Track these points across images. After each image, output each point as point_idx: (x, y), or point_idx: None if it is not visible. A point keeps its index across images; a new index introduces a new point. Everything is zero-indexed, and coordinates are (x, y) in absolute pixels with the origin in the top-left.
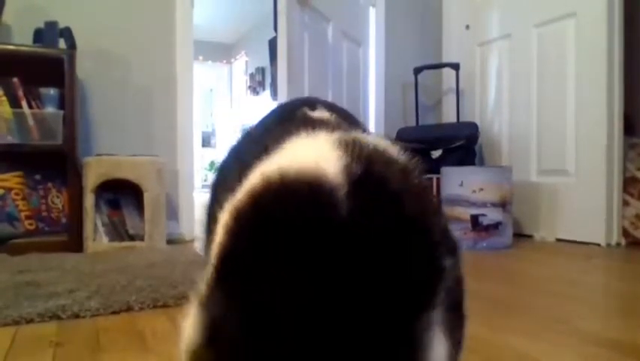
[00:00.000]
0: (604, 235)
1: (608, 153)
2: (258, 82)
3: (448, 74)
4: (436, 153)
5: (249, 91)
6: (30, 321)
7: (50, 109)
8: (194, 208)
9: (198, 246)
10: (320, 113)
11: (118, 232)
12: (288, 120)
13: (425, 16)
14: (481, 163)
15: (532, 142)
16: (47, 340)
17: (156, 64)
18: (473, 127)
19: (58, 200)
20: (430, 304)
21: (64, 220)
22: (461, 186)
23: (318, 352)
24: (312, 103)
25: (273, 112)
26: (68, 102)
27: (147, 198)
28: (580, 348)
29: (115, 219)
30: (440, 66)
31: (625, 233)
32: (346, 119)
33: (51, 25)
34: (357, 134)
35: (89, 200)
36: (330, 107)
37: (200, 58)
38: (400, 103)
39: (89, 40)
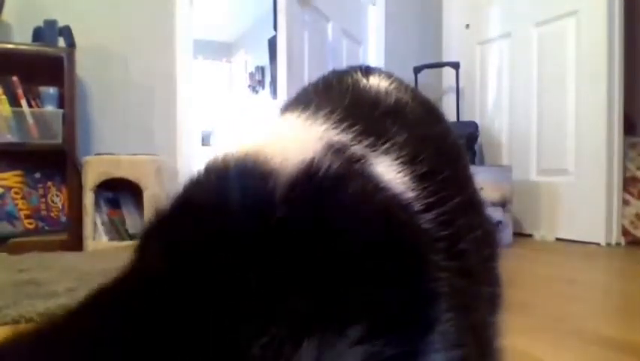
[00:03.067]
0: (604, 234)
1: (608, 152)
2: (257, 81)
3: (448, 73)
4: None
5: (248, 90)
6: (30, 320)
7: (50, 108)
8: None
9: None
10: (376, 81)
11: (118, 230)
12: (330, 87)
13: (425, 14)
14: (481, 162)
15: (532, 141)
16: None
17: (156, 63)
18: (473, 126)
19: (57, 199)
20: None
21: (63, 219)
22: None
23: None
24: (369, 69)
25: (322, 77)
26: (68, 101)
27: (147, 197)
28: (580, 347)
29: (115, 218)
30: (440, 65)
31: (625, 232)
32: (415, 97)
33: (50, 23)
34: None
35: (88, 199)
36: (391, 76)
37: (200, 57)
38: None
39: (88, 38)
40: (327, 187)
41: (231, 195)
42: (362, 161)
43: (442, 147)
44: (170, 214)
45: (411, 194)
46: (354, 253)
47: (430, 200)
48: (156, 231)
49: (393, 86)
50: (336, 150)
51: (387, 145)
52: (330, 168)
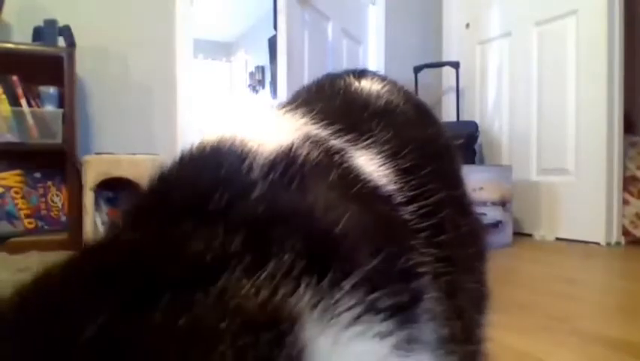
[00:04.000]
0: (604, 233)
1: (608, 152)
2: (257, 80)
3: (448, 72)
4: None
5: (248, 89)
6: None
7: (50, 107)
8: None
9: None
10: (368, 84)
11: None
12: (323, 90)
13: (425, 14)
14: (481, 162)
15: (532, 141)
16: None
17: (156, 62)
18: (473, 126)
19: (57, 198)
20: None
21: (63, 219)
22: None
23: None
24: (363, 72)
25: (316, 80)
26: (68, 101)
27: None
28: (580, 347)
29: (114, 217)
30: (440, 65)
31: (625, 232)
32: (407, 100)
33: (50, 23)
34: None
35: (88, 198)
36: (385, 79)
37: (200, 56)
38: None
39: (88, 38)
40: (306, 172)
41: (206, 172)
42: (341, 153)
43: (431, 146)
44: (144, 192)
45: (392, 186)
46: (332, 236)
47: (413, 193)
48: (127, 209)
49: (385, 89)
50: (313, 140)
51: (368, 141)
52: (310, 155)
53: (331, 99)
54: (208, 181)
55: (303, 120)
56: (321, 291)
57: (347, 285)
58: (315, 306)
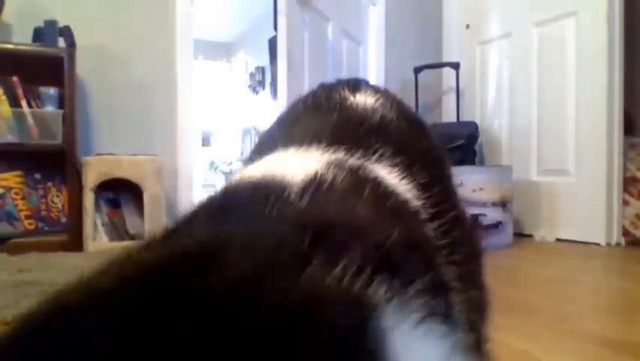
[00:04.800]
0: (604, 234)
1: (608, 153)
2: (257, 81)
3: (448, 73)
4: None
5: (248, 90)
6: None
7: (50, 108)
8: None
9: None
10: (363, 98)
11: (118, 231)
12: (319, 105)
13: (425, 15)
14: (481, 163)
15: (532, 141)
16: None
17: (156, 63)
18: (473, 126)
19: (57, 199)
20: None
21: (63, 220)
22: (461, 186)
23: None
24: (357, 84)
25: (311, 92)
26: (68, 101)
27: (147, 197)
28: (580, 348)
29: (115, 218)
30: (440, 65)
31: (625, 233)
32: (400, 112)
33: (51, 24)
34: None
35: (88, 199)
36: (379, 91)
37: (200, 57)
38: None
39: (88, 39)
40: (342, 189)
41: (257, 200)
42: (362, 169)
43: (428, 162)
44: (191, 218)
45: (417, 202)
46: (389, 246)
47: (432, 210)
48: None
49: (379, 102)
50: (336, 164)
51: (377, 155)
52: (337, 177)
53: (328, 116)
54: (262, 204)
55: (319, 152)
56: (394, 288)
57: (412, 290)
58: (389, 300)
